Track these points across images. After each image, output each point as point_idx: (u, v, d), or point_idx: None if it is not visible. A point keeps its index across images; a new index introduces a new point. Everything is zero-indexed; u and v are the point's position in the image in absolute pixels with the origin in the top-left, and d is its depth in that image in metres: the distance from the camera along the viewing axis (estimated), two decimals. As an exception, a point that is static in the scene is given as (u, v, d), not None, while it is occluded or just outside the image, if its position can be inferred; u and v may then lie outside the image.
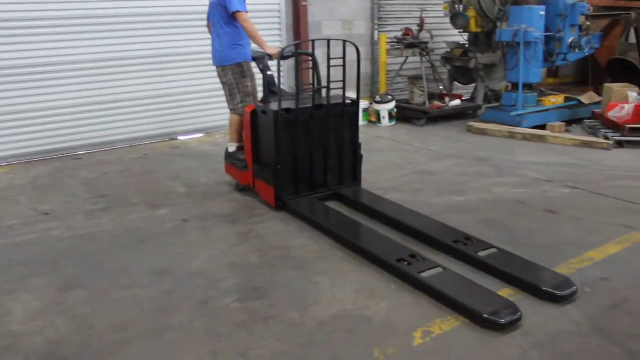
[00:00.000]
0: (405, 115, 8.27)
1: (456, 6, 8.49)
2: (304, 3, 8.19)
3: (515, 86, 7.77)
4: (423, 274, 3.37)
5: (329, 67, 4.90)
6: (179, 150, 6.95)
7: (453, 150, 6.67)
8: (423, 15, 8.63)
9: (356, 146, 5.04)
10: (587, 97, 8.43)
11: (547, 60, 7.82)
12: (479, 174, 5.65)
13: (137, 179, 5.74)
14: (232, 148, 5.38)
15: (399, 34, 8.64)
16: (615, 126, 6.90)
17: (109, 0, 6.82)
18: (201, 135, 7.68)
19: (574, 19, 7.64)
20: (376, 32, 9.04)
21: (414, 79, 8.56)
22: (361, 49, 8.90)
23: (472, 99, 8.94)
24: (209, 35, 7.72)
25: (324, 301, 3.24)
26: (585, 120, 7.66)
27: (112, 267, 3.76)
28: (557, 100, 8.11)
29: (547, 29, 7.59)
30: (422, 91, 8.38)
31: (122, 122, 7.16)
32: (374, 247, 3.81)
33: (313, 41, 4.99)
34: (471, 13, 8.24)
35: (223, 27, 5.29)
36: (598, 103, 8.04)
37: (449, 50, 8.88)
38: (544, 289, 3.22)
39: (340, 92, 4.97)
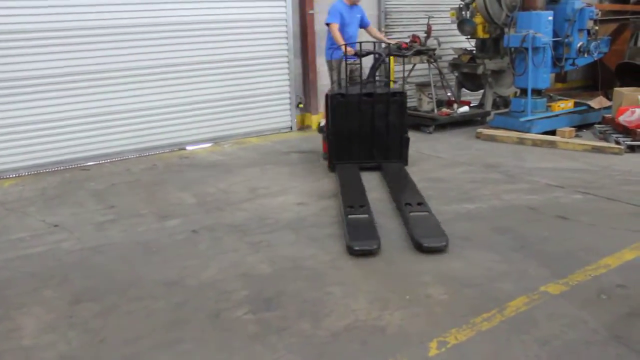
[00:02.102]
0: (413, 122, 8.22)
1: (463, 12, 8.48)
2: (311, 12, 8.21)
3: (524, 92, 7.74)
4: (350, 216, 4.43)
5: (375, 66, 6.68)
6: (188, 160, 6.95)
7: (462, 157, 6.63)
8: (430, 22, 8.62)
9: (402, 130, 6.09)
10: (597, 102, 8.38)
11: (555, 65, 7.79)
12: (489, 181, 5.61)
13: (146, 190, 5.74)
14: (322, 122, 6.79)
15: (407, 41, 8.63)
16: (626, 130, 6.85)
17: (117, 11, 6.85)
18: (209, 144, 7.68)
19: (582, 23, 7.61)
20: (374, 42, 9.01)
21: (422, 86, 8.54)
22: (369, 57, 8.98)
23: (481, 105, 8.91)
24: (218, 45, 7.81)
25: (337, 312, 3.21)
26: (596, 125, 7.62)
27: (122, 279, 3.74)
28: (566, 105, 8.07)
29: (555, 34, 7.57)
30: (430, 98, 8.36)
31: (131, 132, 7.17)
32: (345, 196, 4.96)
33: (374, 43, 6.83)
34: (478, 19, 8.24)
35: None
36: (608, 107, 7.99)
37: (456, 56, 8.86)
38: (415, 239, 4.06)
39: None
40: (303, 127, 8.61)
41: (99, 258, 4.12)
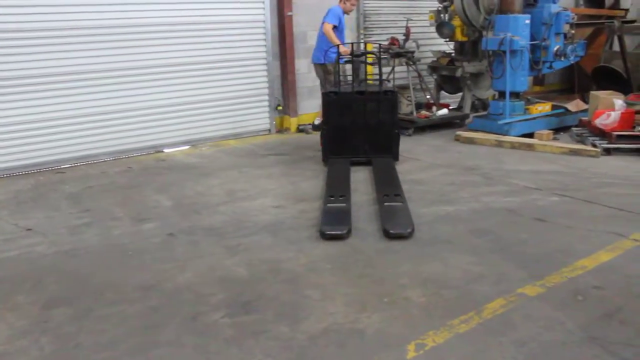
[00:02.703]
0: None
1: (442, 15, 8.55)
2: (289, 13, 8.21)
3: (502, 95, 7.83)
4: (328, 205, 4.83)
5: (365, 63, 7.14)
6: (165, 163, 6.91)
7: (441, 159, 6.69)
8: (409, 25, 8.68)
9: (393, 127, 6.41)
10: (574, 105, 8.50)
11: (533, 68, 7.89)
12: (468, 183, 5.66)
13: (122, 193, 5.69)
14: (317, 121, 7.71)
15: (385, 43, 8.68)
16: (602, 133, 6.97)
17: (91, 12, 6.78)
18: (187, 147, 7.64)
19: (558, 27, 7.71)
20: (362, 43, 9.06)
21: (401, 89, 8.59)
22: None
23: (460, 107, 8.99)
24: (195, 46, 7.78)
25: (314, 315, 3.22)
26: (573, 128, 7.73)
27: (97, 283, 3.70)
28: (544, 108, 8.18)
29: (532, 38, 7.67)
30: (409, 101, 8.41)
31: (106, 134, 7.10)
32: (330, 187, 5.37)
33: (365, 43, 7.54)
34: (457, 22, 8.31)
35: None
36: (584, 111, 8.11)
37: (435, 59, 8.93)
38: (383, 226, 4.38)
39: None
40: (282, 129, 8.61)
41: (74, 262, 4.08)
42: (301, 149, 7.48)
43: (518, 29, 7.46)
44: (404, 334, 3.00)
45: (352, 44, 7.11)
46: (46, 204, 5.39)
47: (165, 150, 7.48)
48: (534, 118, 7.89)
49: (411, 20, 8.91)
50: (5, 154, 6.48)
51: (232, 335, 3.04)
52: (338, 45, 6.95)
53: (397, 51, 8.28)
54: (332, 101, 6.41)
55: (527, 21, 7.52)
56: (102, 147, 7.08)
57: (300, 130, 8.57)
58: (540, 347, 2.86)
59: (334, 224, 4.43)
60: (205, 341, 3.00)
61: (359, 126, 6.39)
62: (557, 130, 7.84)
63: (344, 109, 6.39)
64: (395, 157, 6.47)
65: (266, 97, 8.39)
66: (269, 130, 8.49)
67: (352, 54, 7.11)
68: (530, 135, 7.52)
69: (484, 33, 8.04)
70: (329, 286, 3.57)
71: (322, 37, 7.51)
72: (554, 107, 8.37)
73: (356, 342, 2.95)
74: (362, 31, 9.10)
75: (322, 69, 7.67)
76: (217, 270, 3.81)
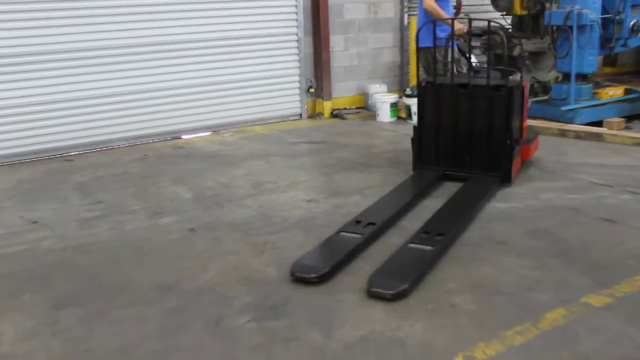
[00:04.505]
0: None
1: (498, -15, 8.47)
2: (324, -17, 8.23)
3: (566, 77, 7.74)
4: (341, 232, 4.31)
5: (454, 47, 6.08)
6: (184, 150, 7.03)
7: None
8: (460, -4, 8.63)
9: (504, 135, 5.30)
10: (651, 89, 8.36)
11: (604, 46, 7.76)
12: (524, 177, 5.63)
13: (136, 183, 5.82)
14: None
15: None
16: (683, 122, 6.85)
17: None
18: (208, 133, 7.75)
19: (637, -2, 7.59)
20: (406, 16, 9.07)
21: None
22: (389, 35, 9.07)
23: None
24: (217, 20, 7.78)
25: (350, 321, 3.26)
26: (649, 116, 7.61)
27: (110, 283, 3.81)
28: (615, 92, 8.06)
29: (604, 11, 7.54)
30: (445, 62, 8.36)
31: (120, 118, 7.25)
32: (370, 209, 4.75)
33: (489, 21, 5.89)
34: (516, -8, 8.23)
35: None
36: (663, 96, 7.97)
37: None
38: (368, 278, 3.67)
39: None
40: (314, 114, 8.66)
41: (84, 259, 4.20)
42: (336, 135, 7.52)
43: (588, 0, 7.36)
44: (451, 345, 3.02)
45: (470, 19, 5.76)
46: (53, 195, 5.54)
47: (184, 137, 7.60)
48: (604, 104, 7.79)
49: (464, -9, 8.86)
50: (8, 139, 6.65)
51: (259, 341, 3.09)
52: (452, 22, 5.87)
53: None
54: (426, 94, 5.63)
55: (599, -9, 7.42)
56: (114, 133, 7.24)
57: (334, 115, 8.61)
58: (607, 363, 2.86)
59: (316, 261, 3.91)
60: (229, 347, 3.06)
61: (460, 130, 5.48)
62: (631, 118, 7.71)
63: (441, 105, 5.53)
64: (505, 177, 5.35)
65: (297, 78, 8.45)
66: (300, 115, 8.56)
67: (469, 32, 5.83)
68: (598, 123, 7.42)
69: (547, 5, 7.95)
70: (366, 290, 3.60)
71: (424, 13, 6.83)
72: (627, 92, 8.24)
73: (397, 353, 2.98)
74: (406, 4, 9.08)
75: (429, 53, 6.61)
76: (242, 270, 3.88)
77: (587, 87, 7.80)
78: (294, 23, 8.29)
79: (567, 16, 7.35)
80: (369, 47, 8.94)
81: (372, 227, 4.36)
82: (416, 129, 5.69)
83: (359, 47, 8.86)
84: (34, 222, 4.87)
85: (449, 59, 6.07)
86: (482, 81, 5.39)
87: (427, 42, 6.18)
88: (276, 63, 8.26)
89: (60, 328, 3.30)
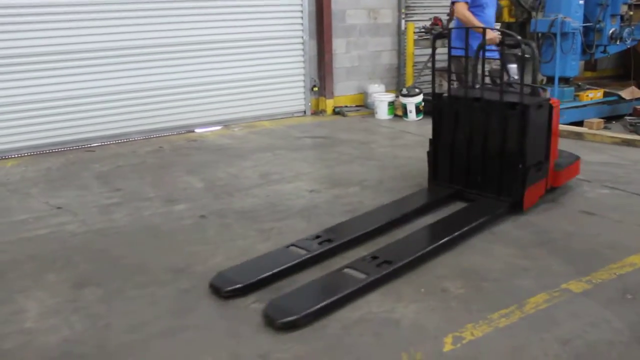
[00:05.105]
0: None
1: (488, -6, 8.40)
2: (328, -10, 8.18)
3: (550, 80, 7.69)
4: (290, 247, 3.83)
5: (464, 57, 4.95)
6: (196, 143, 7.00)
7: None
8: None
9: (517, 158, 4.42)
10: (628, 92, 8.31)
11: (585, 52, 7.75)
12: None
13: (152, 173, 5.80)
14: None
15: (428, 24, 8.60)
16: (658, 123, 6.81)
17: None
18: (219, 127, 7.72)
19: (615, 8, 7.56)
20: (403, 22, 9.01)
21: (442, 71, 8.50)
22: (387, 39, 9.03)
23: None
24: (230, 23, 7.71)
25: (349, 303, 3.24)
26: (626, 117, 7.57)
27: (127, 264, 3.80)
28: (595, 95, 8.03)
29: (586, 19, 7.52)
30: (452, 84, 8.31)
31: (137, 113, 7.22)
32: (341, 225, 4.23)
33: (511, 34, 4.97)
34: (504, 2, 8.18)
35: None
36: (640, 99, 7.94)
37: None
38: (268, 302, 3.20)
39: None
40: (317, 111, 8.63)
41: (104, 242, 4.18)
42: (338, 131, 7.49)
43: (571, 9, 7.33)
44: (441, 326, 3.01)
45: (502, 31, 5.04)
46: (76, 183, 5.52)
47: (197, 131, 7.58)
48: (584, 105, 7.76)
49: (456, -1, 8.79)
50: (35, 131, 6.64)
51: (264, 320, 3.08)
52: (484, 31, 4.84)
53: (440, 32, 8.18)
54: (441, 106, 4.89)
55: (581, 1, 7.37)
56: (132, 126, 7.21)
57: (336, 112, 8.58)
58: (585, 345, 2.84)
59: (238, 275, 3.46)
60: (236, 326, 3.05)
61: (474, 147, 4.69)
62: (609, 119, 7.68)
63: (457, 119, 4.76)
64: (517, 204, 4.49)
65: (302, 78, 8.41)
66: (304, 111, 8.52)
67: (502, 42, 4.98)
68: (579, 123, 7.39)
69: (534, 14, 7.91)
70: (363, 275, 3.58)
71: (457, 19, 6.08)
72: (606, 94, 8.21)
73: (391, 332, 2.97)
74: (403, 10, 9.02)
75: (459, 62, 5.66)
76: (249, 254, 3.85)
77: (569, 89, 7.78)
78: (300, 27, 8.25)
79: (552, 24, 7.33)
80: (368, 50, 8.90)
81: (327, 244, 3.83)
82: (431, 142, 4.97)
83: (360, 50, 8.81)
84: (58, 208, 4.86)
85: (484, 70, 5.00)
86: (496, 96, 4.58)
87: (457, 51, 5.05)
88: (283, 63, 8.22)
89: (81, 305, 3.29)
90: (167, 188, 5.31)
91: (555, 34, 7.33)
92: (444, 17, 8.53)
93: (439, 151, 4.90)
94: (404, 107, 8.11)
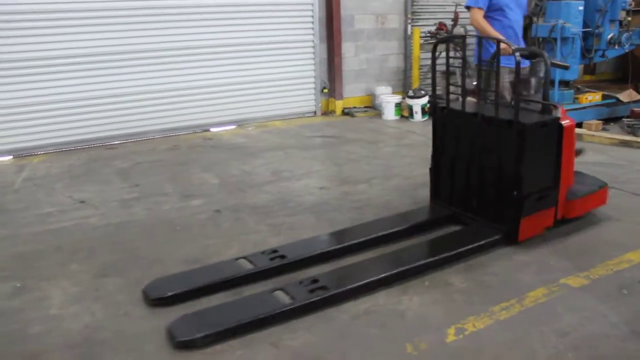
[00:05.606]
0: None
1: (492, 1, 8.35)
2: (338, -4, 8.17)
3: (551, 83, 7.65)
4: (240, 260, 3.56)
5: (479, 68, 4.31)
6: (211, 141, 7.02)
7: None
8: (457, 10, 8.54)
9: (516, 183, 3.73)
10: (626, 95, 8.24)
11: (584, 56, 7.68)
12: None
13: (169, 170, 5.82)
14: None
15: (433, 29, 8.57)
16: (654, 125, 6.76)
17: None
18: (233, 127, 7.73)
19: (614, 14, 7.48)
20: (409, 27, 8.98)
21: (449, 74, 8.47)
22: (394, 43, 9.01)
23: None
24: (244, 28, 7.70)
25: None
26: (624, 119, 7.51)
27: (146, 256, 3.82)
28: (594, 97, 7.97)
29: (585, 25, 7.46)
30: (456, 87, 8.29)
31: (155, 113, 7.25)
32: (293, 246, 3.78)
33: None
34: (507, 8, 8.12)
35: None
36: (637, 101, 7.88)
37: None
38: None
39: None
40: (327, 112, 8.62)
41: (124, 234, 4.21)
42: (346, 131, 7.48)
43: (570, 15, 7.27)
44: (444, 318, 3.01)
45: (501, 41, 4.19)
46: (98, 178, 5.56)
47: (212, 130, 7.59)
48: (583, 107, 7.70)
49: (460, 5, 8.75)
50: (61, 129, 6.69)
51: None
52: (498, 41, 4.14)
53: (445, 36, 8.16)
54: (441, 119, 4.27)
55: (581, 7, 7.32)
56: (151, 125, 7.24)
57: (345, 113, 8.57)
58: (583, 338, 2.83)
59: (172, 283, 3.31)
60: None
61: (473, 166, 4.05)
62: (607, 120, 7.63)
63: (457, 135, 4.14)
64: (511, 234, 3.82)
65: (312, 80, 8.40)
66: (315, 112, 8.52)
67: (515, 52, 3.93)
68: (578, 125, 7.32)
69: (535, 19, 7.86)
70: (370, 268, 3.58)
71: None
72: (604, 97, 8.14)
73: (397, 323, 2.98)
74: (409, 16, 8.99)
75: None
76: (261, 247, 3.85)
77: (569, 92, 7.72)
78: (311, 31, 8.24)
79: (552, 29, 7.27)
80: (376, 53, 8.88)
81: (279, 260, 3.52)
82: (432, 157, 4.38)
83: (368, 54, 8.79)
84: (81, 202, 4.89)
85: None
86: (492, 112, 3.89)
87: (506, 62, 4.49)
88: (294, 66, 8.22)
89: (102, 294, 3.32)
90: (183, 184, 5.33)
91: (555, 39, 7.28)
92: (449, 23, 8.50)
93: (440, 168, 4.31)
94: (410, 108, 8.10)
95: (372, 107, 8.80)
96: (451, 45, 8.11)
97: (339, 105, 8.58)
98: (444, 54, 4.48)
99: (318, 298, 3.11)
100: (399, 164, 5.87)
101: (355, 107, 8.69)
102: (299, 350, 2.77)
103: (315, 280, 3.25)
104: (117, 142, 6.95)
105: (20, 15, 6.27)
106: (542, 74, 4.41)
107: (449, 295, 3.25)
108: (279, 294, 3.16)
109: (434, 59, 4.41)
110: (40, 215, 4.58)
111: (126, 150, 6.65)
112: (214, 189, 5.17)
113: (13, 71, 6.33)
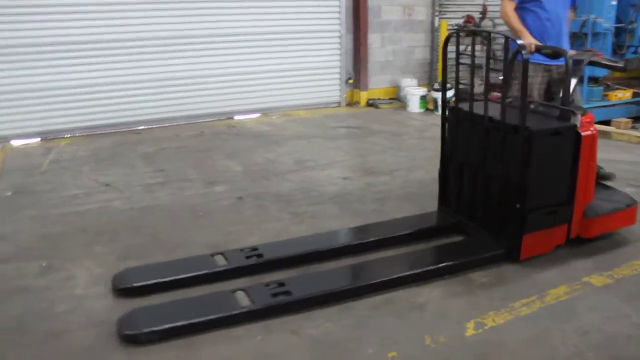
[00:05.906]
0: (463, 104, 8.13)
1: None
2: (365, -14, 8.13)
3: (580, 79, 7.53)
4: (214, 255, 3.45)
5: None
6: (235, 129, 7.05)
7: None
8: (486, 3, 8.45)
9: (519, 194, 3.39)
10: (657, 93, 8.12)
11: (616, 52, 7.57)
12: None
13: (194, 156, 5.86)
14: None
15: (461, 21, 8.49)
16: (685, 125, 6.63)
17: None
18: (257, 115, 7.76)
19: (648, 9, 7.35)
20: (437, 19, 8.90)
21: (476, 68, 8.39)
22: (421, 35, 8.94)
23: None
24: (271, 17, 7.68)
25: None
26: (654, 118, 7.40)
27: (168, 240, 3.86)
28: (624, 95, 7.84)
29: (618, 20, 7.33)
30: (482, 80, 8.21)
31: (181, 99, 7.29)
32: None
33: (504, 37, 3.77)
34: (538, 1, 8.01)
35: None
36: (668, 100, 7.74)
37: (512, 39, 8.66)
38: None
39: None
40: (352, 102, 8.60)
41: (147, 218, 4.26)
42: (371, 122, 7.46)
43: (603, 10, 7.16)
44: (464, 312, 3.00)
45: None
46: (123, 162, 5.62)
47: (236, 117, 7.62)
48: (613, 105, 7.60)
49: (489, -3, 8.68)
50: (87, 114, 6.77)
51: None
52: (506, 38, 3.64)
53: (473, 29, 8.08)
54: (452, 118, 3.94)
55: (614, 2, 7.19)
56: (176, 111, 7.29)
57: (370, 104, 8.54)
58: (604, 337, 2.80)
59: (139, 274, 3.26)
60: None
61: (480, 174, 3.72)
62: (637, 118, 7.50)
63: (467, 138, 3.80)
64: (513, 250, 3.50)
65: (337, 70, 8.38)
66: (339, 102, 8.50)
67: (539, 50, 4.03)
68: (607, 122, 7.23)
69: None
70: (391, 259, 3.57)
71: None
72: (635, 95, 8.01)
73: (416, 315, 2.98)
74: (437, 8, 8.91)
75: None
76: (283, 235, 3.88)
77: (598, 89, 7.62)
78: (337, 22, 8.21)
79: (583, 24, 7.16)
80: (402, 45, 8.82)
81: (254, 259, 3.38)
82: (440, 160, 4.10)
83: (394, 45, 8.74)
84: (107, 185, 4.96)
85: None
86: (496, 114, 3.51)
87: (535, 57, 4.20)
88: (320, 56, 8.20)
89: (125, 277, 3.37)
90: (207, 170, 5.37)
91: (586, 34, 7.17)
92: (477, 16, 8.41)
93: (448, 172, 4.02)
94: (435, 101, 8.03)
95: (397, 99, 8.75)
96: (477, 39, 8.06)
97: (363, 96, 8.55)
98: (469, 49, 4.18)
99: (277, 303, 2.95)
100: (422, 156, 5.84)
101: (379, 99, 8.66)
102: (319, 338, 2.79)
103: (281, 284, 3.09)
104: (142, 128, 7.02)
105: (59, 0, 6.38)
106: (582, 73, 4.00)
107: (469, 289, 3.24)
108: (240, 295, 3.00)
109: (445, 53, 4.11)
110: (67, 197, 4.65)
111: (151, 135, 6.71)
112: (238, 176, 5.21)
113: (43, 55, 6.42)
